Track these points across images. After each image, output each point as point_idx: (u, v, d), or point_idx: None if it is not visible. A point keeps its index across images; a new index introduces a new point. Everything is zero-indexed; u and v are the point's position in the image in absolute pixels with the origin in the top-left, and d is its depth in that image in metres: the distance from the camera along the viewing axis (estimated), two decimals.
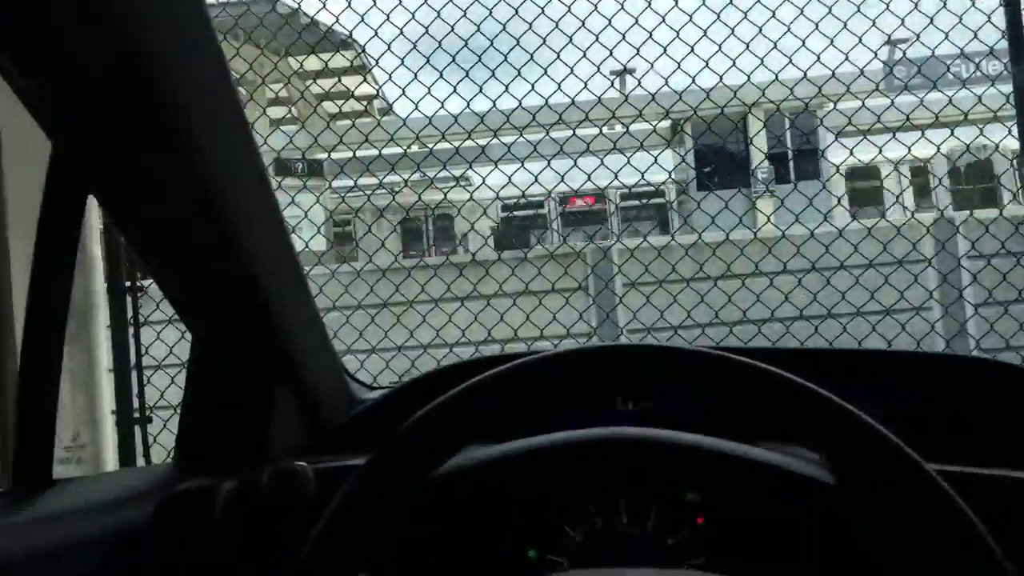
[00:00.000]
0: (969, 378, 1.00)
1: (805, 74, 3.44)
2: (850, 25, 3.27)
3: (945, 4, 3.29)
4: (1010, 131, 3.55)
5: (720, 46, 3.39)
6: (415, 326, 3.84)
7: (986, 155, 6.09)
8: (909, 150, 3.47)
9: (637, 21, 3.44)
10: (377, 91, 6.32)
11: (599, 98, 3.57)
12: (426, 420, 0.71)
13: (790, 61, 3.45)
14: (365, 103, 5.77)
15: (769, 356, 0.73)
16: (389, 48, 3.57)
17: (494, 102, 3.70)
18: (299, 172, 6.72)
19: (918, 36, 3.31)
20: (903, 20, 3.19)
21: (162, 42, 0.59)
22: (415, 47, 3.57)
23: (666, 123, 7.41)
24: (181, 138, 0.66)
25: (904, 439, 0.65)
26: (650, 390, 0.87)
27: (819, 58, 3.35)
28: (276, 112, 5.97)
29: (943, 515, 0.62)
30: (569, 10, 3.50)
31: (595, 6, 3.47)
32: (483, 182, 3.75)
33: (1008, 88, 3.29)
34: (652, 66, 3.56)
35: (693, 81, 3.52)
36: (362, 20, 3.55)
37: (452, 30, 3.64)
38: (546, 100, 3.66)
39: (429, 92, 3.57)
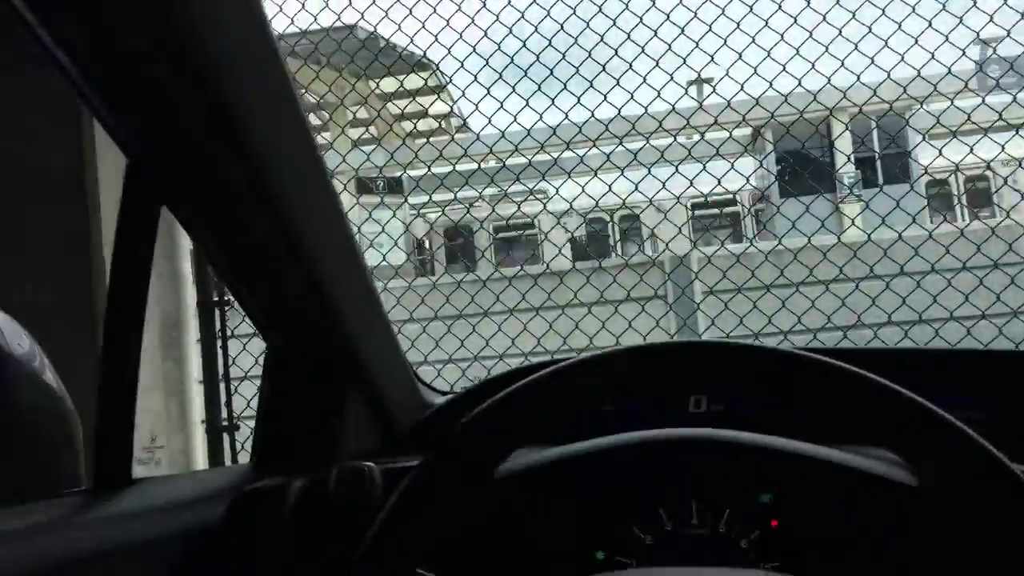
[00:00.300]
0: None
1: (888, 75, 3.32)
2: (936, 24, 3.14)
3: None
4: None
5: (798, 50, 3.31)
6: (491, 335, 3.86)
7: None
8: (1003, 148, 3.30)
9: (711, 28, 3.39)
10: (451, 108, 6.41)
11: (673, 106, 3.52)
12: (483, 416, 0.71)
13: (872, 62, 3.33)
14: (440, 121, 5.86)
15: (850, 356, 0.71)
16: (462, 65, 3.62)
17: (566, 114, 3.71)
18: (378, 189, 6.86)
19: (1008, 32, 3.15)
20: (991, 17, 3.04)
21: (228, 60, 0.62)
22: (487, 63, 3.62)
23: (745, 130, 7.26)
24: (248, 151, 0.68)
25: (990, 440, 0.63)
26: (733, 389, 0.84)
27: (903, 58, 3.22)
28: (355, 132, 6.14)
29: None
30: (641, 20, 3.48)
31: (667, 15, 3.44)
32: (556, 192, 3.75)
33: None
34: (727, 73, 3.51)
35: (770, 86, 3.44)
36: (436, 40, 3.63)
37: (524, 45, 3.68)
38: (619, 111, 3.65)
39: (502, 106, 3.61)
